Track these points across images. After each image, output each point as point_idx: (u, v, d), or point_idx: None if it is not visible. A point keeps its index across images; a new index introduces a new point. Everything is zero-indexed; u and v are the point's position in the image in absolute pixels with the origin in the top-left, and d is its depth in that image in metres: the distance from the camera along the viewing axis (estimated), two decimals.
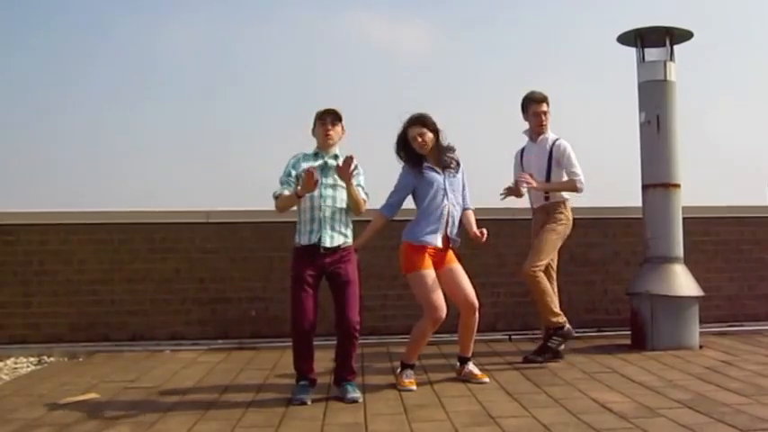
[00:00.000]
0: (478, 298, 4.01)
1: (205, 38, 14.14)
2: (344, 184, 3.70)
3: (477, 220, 4.12)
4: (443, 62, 14.50)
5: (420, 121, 3.95)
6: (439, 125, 3.99)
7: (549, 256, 4.58)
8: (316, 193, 3.68)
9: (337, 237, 3.72)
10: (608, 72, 12.86)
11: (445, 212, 3.93)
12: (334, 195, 3.74)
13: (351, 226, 3.83)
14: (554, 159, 4.63)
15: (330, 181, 3.74)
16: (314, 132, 3.86)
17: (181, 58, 14.04)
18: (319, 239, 3.67)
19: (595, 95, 13.86)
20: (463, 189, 4.09)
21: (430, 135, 3.94)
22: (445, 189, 3.95)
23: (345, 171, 3.61)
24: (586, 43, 14.25)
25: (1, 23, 13.01)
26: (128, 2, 13.39)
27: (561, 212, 4.64)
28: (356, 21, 14.64)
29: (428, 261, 3.89)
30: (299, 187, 3.66)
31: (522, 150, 4.90)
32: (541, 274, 4.49)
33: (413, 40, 14.98)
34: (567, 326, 4.52)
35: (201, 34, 13.75)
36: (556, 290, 4.69)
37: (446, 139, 4.02)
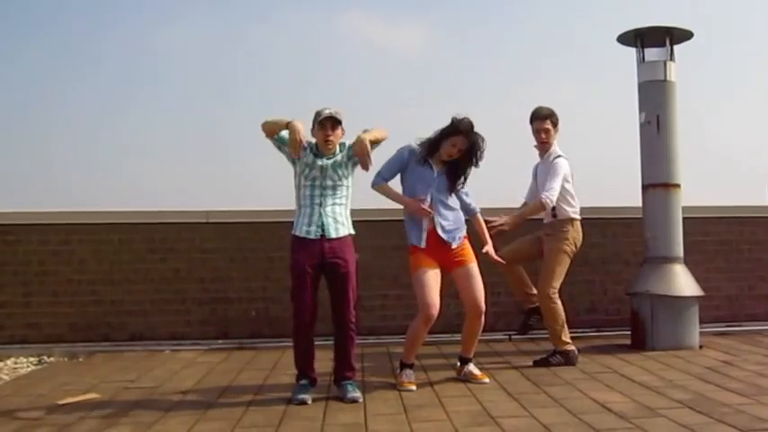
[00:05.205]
0: None
1: (204, 38, 14.17)
2: (345, 182, 3.78)
3: None
4: (442, 62, 14.52)
5: (469, 134, 3.88)
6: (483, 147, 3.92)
7: (562, 277, 4.52)
8: (317, 192, 3.73)
9: (341, 228, 3.77)
10: (608, 72, 12.88)
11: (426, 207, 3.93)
12: (334, 194, 3.77)
13: (350, 218, 3.87)
14: None
15: (329, 182, 3.76)
16: (313, 133, 3.87)
17: (180, 58, 14.08)
18: (323, 230, 3.70)
19: (595, 96, 13.88)
20: (466, 195, 4.11)
21: (461, 150, 3.92)
22: (430, 185, 3.95)
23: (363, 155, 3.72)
24: (586, 43, 14.28)
25: (1, 23, 13.03)
26: (128, 2, 13.43)
27: (566, 230, 4.55)
28: (354, 21, 14.66)
29: (426, 260, 3.90)
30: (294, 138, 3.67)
31: (537, 165, 4.84)
32: (557, 298, 4.46)
33: (411, 40, 15.00)
34: (574, 352, 4.51)
35: (201, 34, 13.80)
36: (525, 275, 4.74)
37: (478, 161, 3.96)
